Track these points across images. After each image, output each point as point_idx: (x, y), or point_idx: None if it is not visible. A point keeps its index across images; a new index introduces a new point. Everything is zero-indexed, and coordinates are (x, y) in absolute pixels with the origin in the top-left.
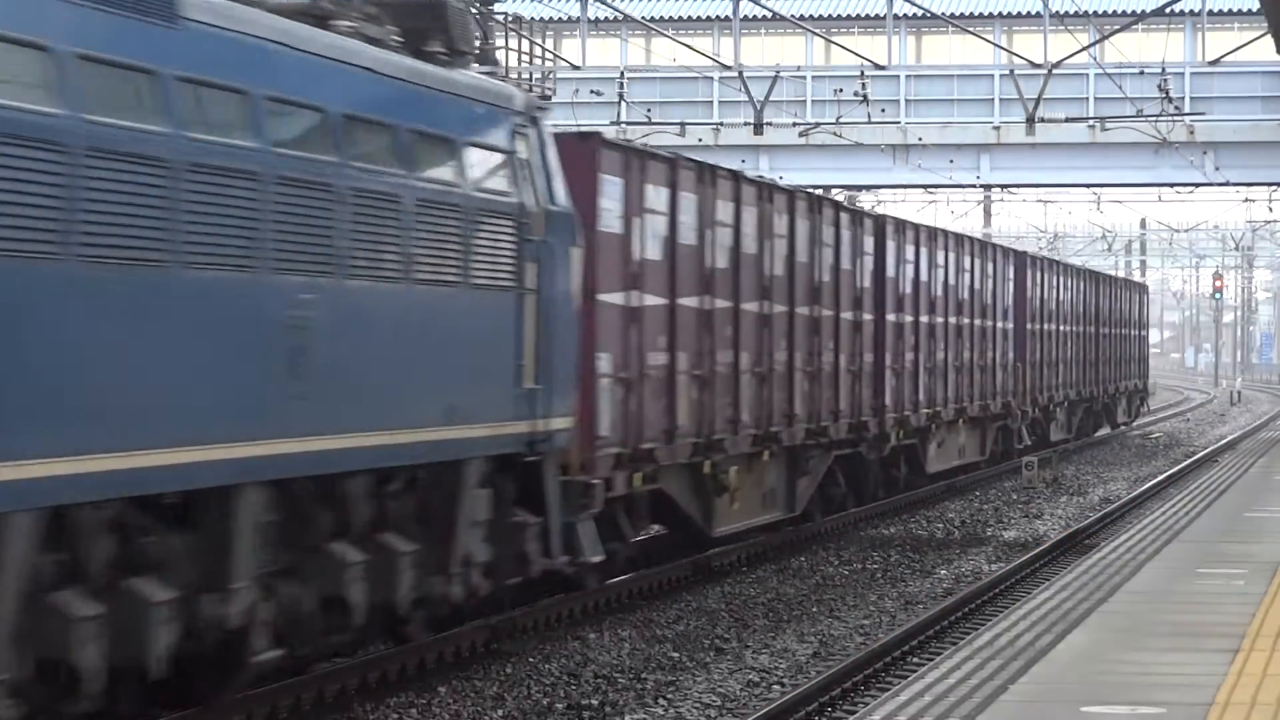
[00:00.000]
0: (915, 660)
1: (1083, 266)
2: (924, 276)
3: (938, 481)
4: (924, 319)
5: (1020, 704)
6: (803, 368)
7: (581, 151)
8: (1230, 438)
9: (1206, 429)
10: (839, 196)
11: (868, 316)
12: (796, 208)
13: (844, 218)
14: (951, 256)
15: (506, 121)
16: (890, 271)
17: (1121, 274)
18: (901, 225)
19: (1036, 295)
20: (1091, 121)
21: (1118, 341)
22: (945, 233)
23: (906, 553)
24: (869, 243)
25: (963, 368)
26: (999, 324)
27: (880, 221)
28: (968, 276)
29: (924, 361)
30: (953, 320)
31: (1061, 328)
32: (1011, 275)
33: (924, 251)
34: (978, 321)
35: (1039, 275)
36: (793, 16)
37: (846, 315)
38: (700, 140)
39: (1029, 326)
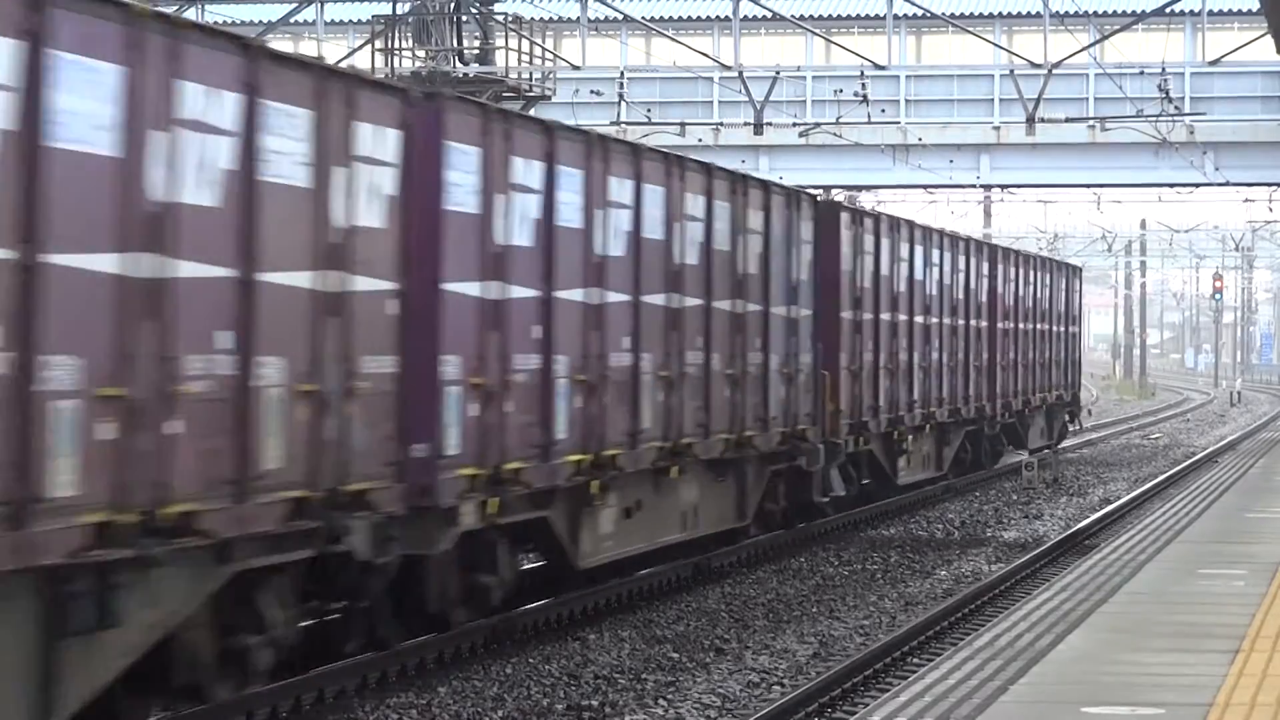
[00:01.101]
0: (915, 660)
1: (963, 235)
2: (600, 233)
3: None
4: (575, 296)
5: (1020, 704)
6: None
7: None
8: (1230, 438)
9: (1206, 429)
10: (840, 197)
11: (470, 291)
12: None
13: (456, 118)
14: (667, 197)
15: None
16: (563, 218)
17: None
18: (552, 134)
19: (864, 270)
20: (1091, 121)
21: (1031, 340)
22: (665, 156)
23: (906, 553)
24: (513, 169)
25: (680, 382)
26: (775, 310)
27: (506, 123)
28: (699, 230)
29: (564, 371)
30: (656, 300)
31: (919, 319)
32: (808, 237)
33: (601, 181)
34: (721, 305)
35: (868, 241)
36: (793, 16)
37: (457, 289)
38: (700, 140)
39: (845, 316)
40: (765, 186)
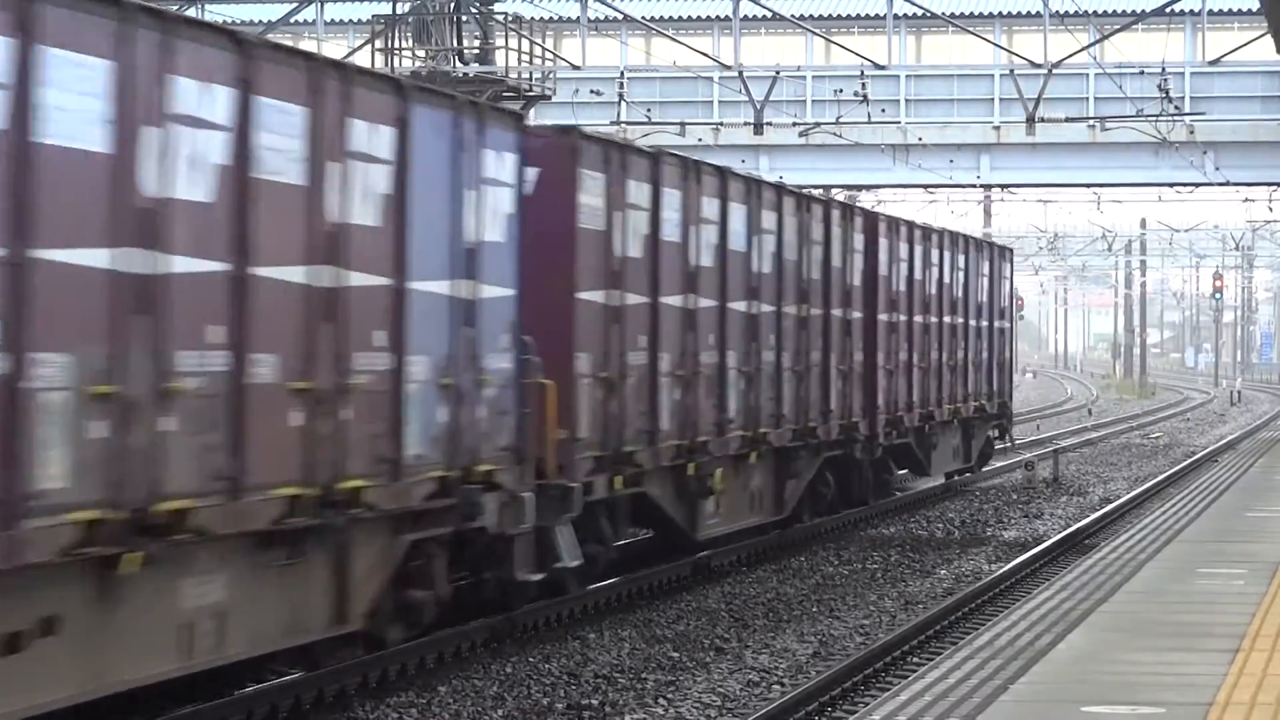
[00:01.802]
0: (915, 660)
1: (822, 197)
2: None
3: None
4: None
5: (1020, 704)
6: None
7: None
8: (1230, 438)
9: (1206, 429)
10: (840, 197)
11: None
12: None
13: None
14: (118, 76)
15: None
16: None
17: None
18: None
19: (629, 234)
20: (1091, 121)
21: (935, 337)
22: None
23: (906, 553)
24: None
25: (154, 404)
26: (423, 286)
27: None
28: (217, 145)
29: None
30: (86, 260)
31: (739, 307)
32: (505, 176)
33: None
34: (277, 273)
35: (638, 192)
36: (793, 16)
37: None
38: (700, 140)
39: (589, 299)
40: (398, 89)
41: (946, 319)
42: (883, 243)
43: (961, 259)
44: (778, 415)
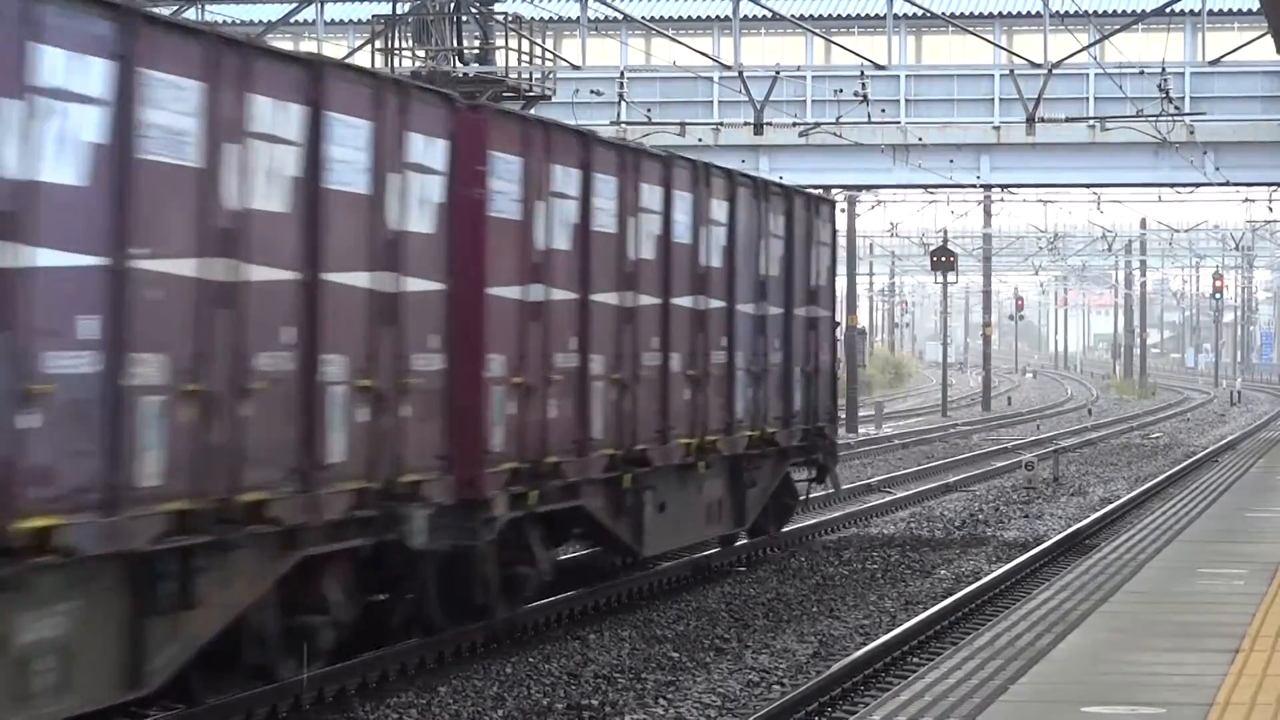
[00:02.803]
0: (915, 660)
1: (319, 56)
2: None
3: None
4: None
5: (1020, 704)
6: None
7: None
8: (1230, 438)
9: (1206, 429)
10: (841, 197)
11: None
12: None
13: None
14: None
15: None
16: None
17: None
18: None
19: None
20: (1091, 121)
21: (648, 329)
22: None
23: (906, 553)
24: None
25: None
26: None
27: None
28: None
29: None
30: None
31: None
32: None
33: None
34: None
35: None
36: (793, 16)
37: None
38: (700, 140)
39: None
40: None
41: (682, 300)
42: (502, 164)
43: (722, 207)
44: (109, 485)
